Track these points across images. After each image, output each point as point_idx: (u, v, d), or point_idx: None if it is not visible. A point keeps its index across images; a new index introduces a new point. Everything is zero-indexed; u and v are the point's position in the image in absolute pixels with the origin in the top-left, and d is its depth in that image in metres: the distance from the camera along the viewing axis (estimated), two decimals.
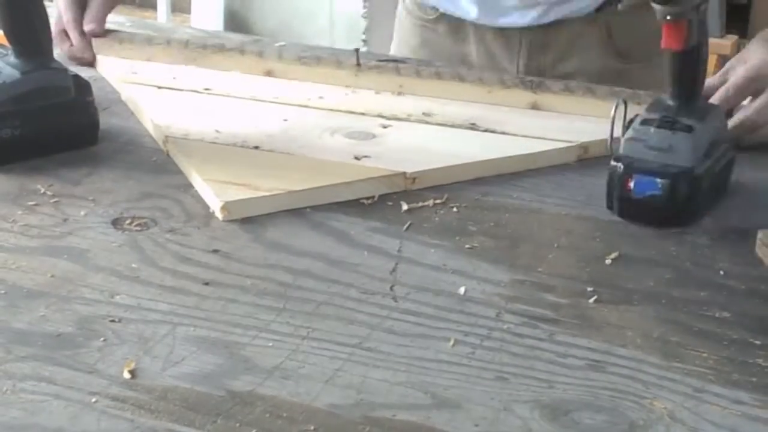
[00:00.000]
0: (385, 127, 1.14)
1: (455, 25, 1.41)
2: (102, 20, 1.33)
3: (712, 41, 4.26)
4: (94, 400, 0.72)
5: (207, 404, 0.72)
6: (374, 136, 1.12)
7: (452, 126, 1.15)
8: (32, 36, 1.07)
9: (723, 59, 3.98)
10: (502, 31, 1.37)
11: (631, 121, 0.99)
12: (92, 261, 0.89)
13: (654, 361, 0.78)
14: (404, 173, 1.03)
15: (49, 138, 1.07)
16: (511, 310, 0.84)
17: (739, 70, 1.12)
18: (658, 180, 0.95)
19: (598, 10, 1.36)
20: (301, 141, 1.10)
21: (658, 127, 0.97)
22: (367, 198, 1.01)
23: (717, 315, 0.84)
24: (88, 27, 1.31)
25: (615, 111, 0.98)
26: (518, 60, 1.39)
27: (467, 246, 0.93)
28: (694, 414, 0.72)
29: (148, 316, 0.82)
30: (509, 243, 0.94)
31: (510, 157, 1.08)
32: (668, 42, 0.95)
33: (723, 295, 0.86)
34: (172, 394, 0.73)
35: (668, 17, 0.94)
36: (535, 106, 1.19)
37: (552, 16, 1.35)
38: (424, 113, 1.17)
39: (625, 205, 0.97)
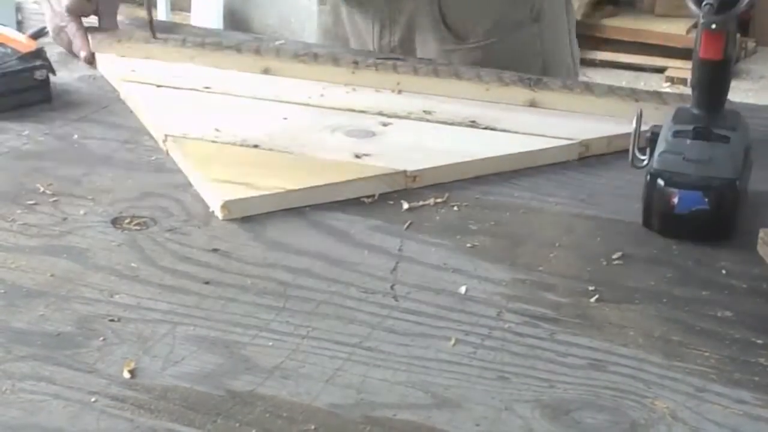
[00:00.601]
0: (385, 125, 1.14)
1: (333, 2, 1.45)
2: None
3: None
4: (93, 399, 0.72)
5: (207, 404, 0.72)
6: (374, 135, 1.11)
7: (453, 124, 1.14)
8: None
9: None
10: (360, 6, 1.41)
11: (654, 133, 0.97)
12: (92, 260, 0.89)
13: (655, 361, 0.77)
14: (405, 172, 1.02)
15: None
16: (512, 309, 0.84)
17: None
18: (704, 194, 0.92)
19: None
20: (301, 139, 1.09)
21: (694, 138, 0.94)
22: (368, 197, 1.00)
23: (719, 314, 0.83)
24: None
25: (636, 123, 0.95)
26: (373, 37, 1.42)
27: (468, 245, 0.93)
28: (695, 413, 0.72)
29: (148, 315, 0.81)
30: (510, 242, 0.93)
31: (511, 155, 1.07)
32: (707, 51, 0.93)
33: (725, 294, 0.86)
34: (171, 394, 0.73)
35: (713, 26, 0.91)
36: (533, 104, 1.19)
37: None
38: (424, 111, 1.17)
39: (667, 221, 0.94)
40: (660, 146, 0.95)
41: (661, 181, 0.93)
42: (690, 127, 0.95)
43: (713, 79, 0.96)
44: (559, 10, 1.45)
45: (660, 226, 0.95)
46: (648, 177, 0.94)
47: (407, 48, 1.40)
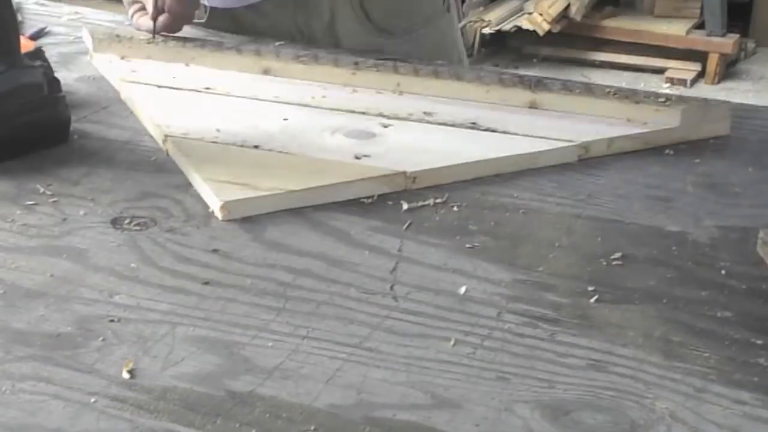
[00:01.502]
0: (385, 126, 1.14)
1: None
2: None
3: (714, 40, 4.29)
4: (93, 400, 0.72)
5: (207, 404, 0.72)
6: (374, 136, 1.11)
7: (453, 125, 1.14)
8: (3, 37, 1.05)
9: (725, 58, 3.99)
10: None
11: None
12: (91, 261, 0.89)
13: (655, 361, 0.77)
14: (404, 172, 1.02)
15: (23, 138, 1.05)
16: (512, 309, 0.84)
17: None
18: None
19: None
20: (301, 140, 1.09)
21: None
22: (368, 197, 1.00)
23: (718, 314, 0.83)
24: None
25: None
26: (295, 22, 1.41)
27: (468, 245, 0.93)
28: (695, 414, 0.72)
29: (148, 315, 0.81)
30: (510, 242, 0.93)
31: (511, 156, 1.07)
32: None
33: (724, 294, 0.86)
34: (171, 394, 0.73)
35: None
36: (533, 105, 1.19)
37: None
38: (424, 113, 1.17)
39: None
40: None
41: None
42: None
43: None
44: None
45: None
46: None
47: (328, 40, 1.40)
